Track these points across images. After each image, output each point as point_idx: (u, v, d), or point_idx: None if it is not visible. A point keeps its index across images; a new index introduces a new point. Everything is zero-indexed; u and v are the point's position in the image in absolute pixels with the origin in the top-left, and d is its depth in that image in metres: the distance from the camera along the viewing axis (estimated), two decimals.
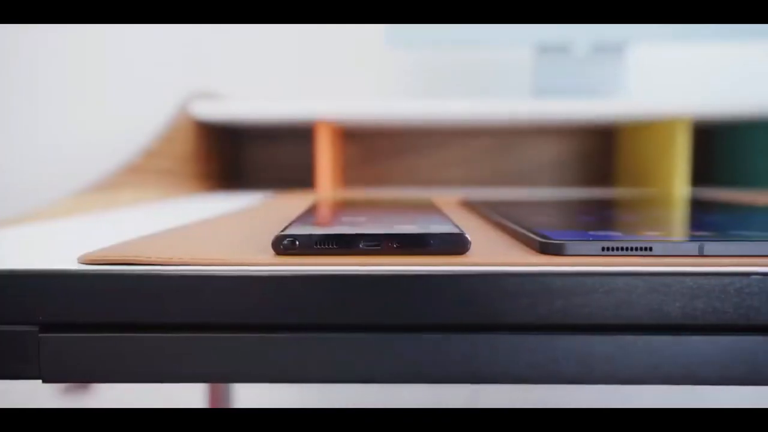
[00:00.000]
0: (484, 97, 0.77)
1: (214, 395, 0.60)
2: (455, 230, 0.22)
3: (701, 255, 0.21)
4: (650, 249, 0.21)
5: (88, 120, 0.76)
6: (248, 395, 0.73)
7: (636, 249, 0.21)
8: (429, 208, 0.30)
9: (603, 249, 0.21)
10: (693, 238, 0.22)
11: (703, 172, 0.76)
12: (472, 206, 0.39)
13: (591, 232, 0.24)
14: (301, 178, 0.76)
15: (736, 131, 0.71)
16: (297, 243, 0.21)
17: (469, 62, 0.77)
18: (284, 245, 0.21)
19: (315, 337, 0.21)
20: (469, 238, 0.22)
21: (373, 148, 0.76)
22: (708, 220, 0.28)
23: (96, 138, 0.77)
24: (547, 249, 0.22)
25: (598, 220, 0.28)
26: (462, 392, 0.78)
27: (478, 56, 0.77)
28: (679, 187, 0.60)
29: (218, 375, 0.21)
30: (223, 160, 0.69)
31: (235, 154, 0.74)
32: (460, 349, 0.20)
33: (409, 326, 0.20)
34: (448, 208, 0.43)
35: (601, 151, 0.76)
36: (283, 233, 0.21)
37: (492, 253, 0.22)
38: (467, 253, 0.22)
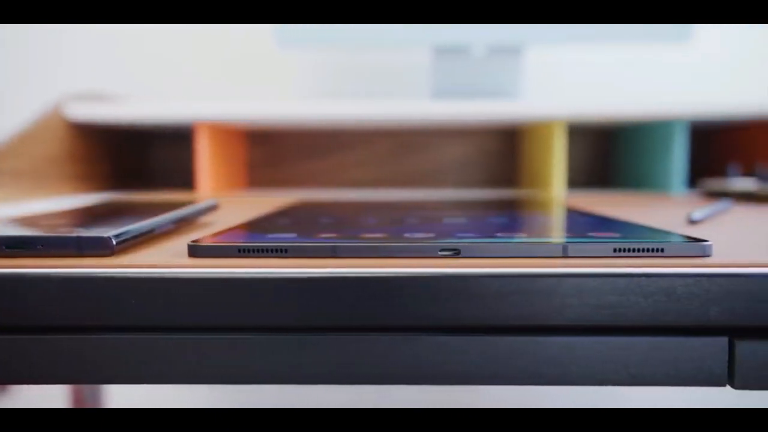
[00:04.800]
0: (382, 98, 0.77)
1: (77, 396, 0.60)
2: (102, 234, 0.22)
3: (334, 257, 0.22)
4: (286, 251, 0.22)
5: None
6: (120, 395, 0.73)
7: (272, 251, 0.22)
8: (163, 210, 0.31)
9: (239, 251, 0.22)
10: (327, 240, 0.22)
11: (605, 174, 0.76)
12: (293, 206, 0.39)
13: (263, 235, 0.24)
14: None
15: (633, 133, 0.71)
16: None
17: (367, 64, 0.77)
18: None
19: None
20: (114, 242, 0.22)
21: (279, 149, 0.76)
22: (459, 223, 0.28)
23: None
24: (193, 252, 0.22)
25: (336, 222, 0.28)
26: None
27: (377, 58, 0.77)
28: (557, 189, 0.60)
29: None
30: (120, 162, 0.69)
31: (134, 156, 0.74)
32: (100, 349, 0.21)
33: (48, 328, 0.21)
34: (267, 208, 0.43)
35: (505, 152, 0.76)
36: None
37: (145, 257, 0.23)
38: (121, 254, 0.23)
